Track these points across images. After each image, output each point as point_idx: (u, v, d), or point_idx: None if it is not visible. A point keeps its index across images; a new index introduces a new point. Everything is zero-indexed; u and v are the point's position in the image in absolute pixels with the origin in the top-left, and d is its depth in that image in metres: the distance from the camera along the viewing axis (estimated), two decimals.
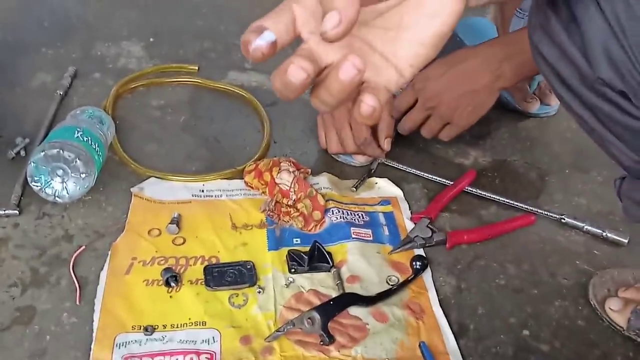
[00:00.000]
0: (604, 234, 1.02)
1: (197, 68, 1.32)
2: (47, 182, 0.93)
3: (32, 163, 0.92)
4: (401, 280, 0.90)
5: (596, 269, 0.96)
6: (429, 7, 0.47)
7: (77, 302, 0.83)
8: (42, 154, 0.92)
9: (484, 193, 1.08)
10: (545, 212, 1.05)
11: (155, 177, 1.03)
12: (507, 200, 1.07)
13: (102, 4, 1.54)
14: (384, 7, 0.47)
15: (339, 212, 0.99)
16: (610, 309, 0.88)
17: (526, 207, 1.06)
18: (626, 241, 1.01)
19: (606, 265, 0.97)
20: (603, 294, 0.90)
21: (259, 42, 0.43)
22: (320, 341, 0.80)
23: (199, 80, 1.28)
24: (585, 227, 1.03)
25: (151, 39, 1.41)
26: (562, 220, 1.04)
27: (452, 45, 0.75)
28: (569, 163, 1.19)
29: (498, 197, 1.07)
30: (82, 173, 0.93)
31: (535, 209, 1.06)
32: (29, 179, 0.94)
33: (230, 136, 1.16)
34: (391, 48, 0.49)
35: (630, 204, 0.79)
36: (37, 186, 0.94)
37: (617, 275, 0.92)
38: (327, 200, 1.00)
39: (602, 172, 1.16)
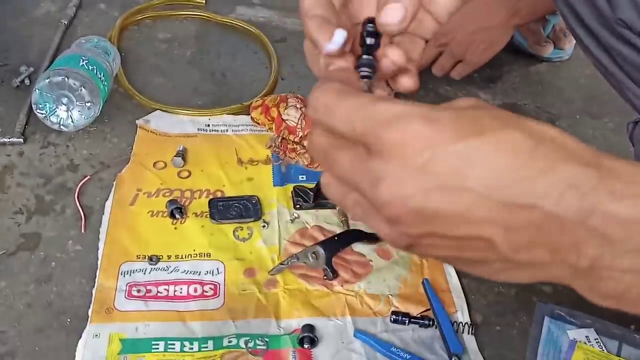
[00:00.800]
0: None
1: (204, 1, 1.29)
2: (52, 110, 0.93)
3: (37, 90, 0.91)
4: None
5: None
6: None
7: (82, 231, 0.84)
8: (47, 80, 0.91)
9: None
10: None
11: (161, 110, 1.02)
12: None
13: None
14: None
15: None
16: None
17: None
18: None
19: None
20: None
21: (331, 47, 0.42)
22: (324, 276, 0.80)
23: (206, 14, 1.26)
24: None
25: None
26: None
27: None
28: (581, 108, 1.18)
29: None
30: (87, 102, 0.93)
31: None
32: (33, 106, 0.93)
33: (237, 71, 1.14)
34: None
35: None
36: (42, 114, 0.93)
37: None
38: None
39: (614, 118, 1.15)
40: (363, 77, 0.42)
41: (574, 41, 1.21)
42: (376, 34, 0.42)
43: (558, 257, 0.34)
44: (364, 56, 0.42)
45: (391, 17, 0.41)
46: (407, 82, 0.45)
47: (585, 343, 0.76)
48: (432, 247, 0.36)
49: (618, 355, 0.75)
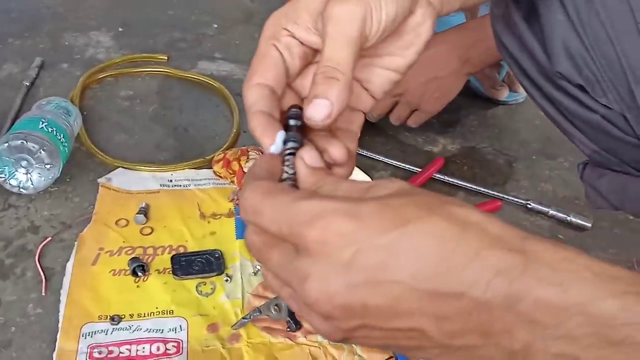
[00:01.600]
0: (569, 218, 1.03)
1: (166, 58, 1.31)
2: (12, 173, 0.93)
3: None
4: None
5: None
6: (408, 36, 0.48)
7: (43, 293, 0.83)
8: (6, 144, 0.91)
9: (452, 180, 1.10)
10: (512, 198, 1.07)
11: (123, 167, 1.03)
12: (475, 187, 1.09)
13: None
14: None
15: None
16: None
17: (493, 193, 1.08)
18: (590, 225, 1.03)
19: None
20: None
21: (273, 149, 0.44)
22: (287, 327, 0.80)
23: (169, 70, 1.28)
24: (550, 212, 1.04)
25: (120, 29, 1.40)
26: (528, 206, 1.05)
27: None
28: (537, 150, 1.21)
29: (466, 184, 1.09)
30: (47, 164, 0.93)
31: (502, 195, 1.07)
32: None
33: (199, 126, 1.16)
34: (365, 75, 0.49)
35: (591, 190, 0.80)
36: (1, 177, 0.93)
37: None
38: None
39: (568, 158, 1.18)
40: (286, 163, 0.44)
41: None
42: (299, 116, 0.45)
43: (492, 341, 0.34)
44: (288, 144, 0.44)
45: (317, 113, 0.43)
46: (338, 153, 0.46)
47: None
48: (366, 338, 0.37)
49: None
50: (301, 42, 0.47)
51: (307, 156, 0.43)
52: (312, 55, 0.49)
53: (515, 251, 0.33)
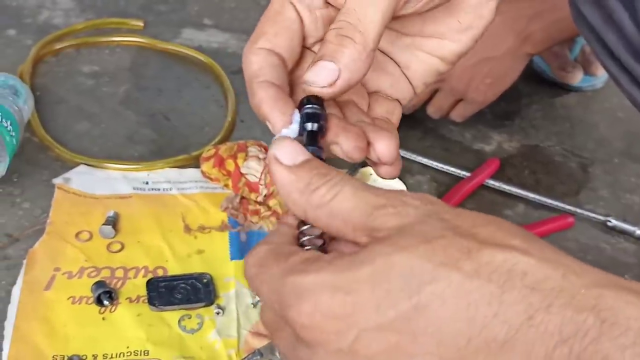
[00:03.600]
0: None
1: (142, 24, 1.31)
2: None
3: None
4: None
5: None
6: (463, 18, 0.48)
7: None
8: None
9: (510, 188, 1.09)
10: (587, 213, 1.06)
11: (86, 164, 1.03)
12: (539, 197, 1.08)
13: None
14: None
15: None
16: None
17: (563, 205, 1.07)
18: None
19: None
20: None
21: (287, 133, 0.43)
22: None
23: (145, 40, 1.28)
24: (638, 232, 1.03)
25: None
26: (609, 223, 1.05)
27: None
28: (620, 150, 1.20)
29: (527, 193, 1.08)
30: None
31: (575, 209, 1.07)
32: None
33: (183, 112, 1.16)
34: (405, 57, 0.49)
35: None
36: None
37: None
38: None
39: None
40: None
41: None
42: (318, 116, 0.43)
43: None
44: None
45: (318, 76, 0.42)
46: (385, 148, 0.46)
47: None
48: None
49: None
50: (327, 1, 0.47)
51: (282, 152, 0.41)
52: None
53: (583, 308, 0.32)
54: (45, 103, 1.13)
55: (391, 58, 0.49)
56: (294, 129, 0.43)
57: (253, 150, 1.01)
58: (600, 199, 1.11)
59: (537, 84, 1.30)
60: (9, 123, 0.97)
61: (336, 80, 0.42)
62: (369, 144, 0.45)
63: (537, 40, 1.05)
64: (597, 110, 1.29)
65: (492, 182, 1.09)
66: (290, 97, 0.44)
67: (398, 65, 0.50)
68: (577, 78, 1.28)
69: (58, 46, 1.24)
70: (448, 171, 1.10)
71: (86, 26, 1.29)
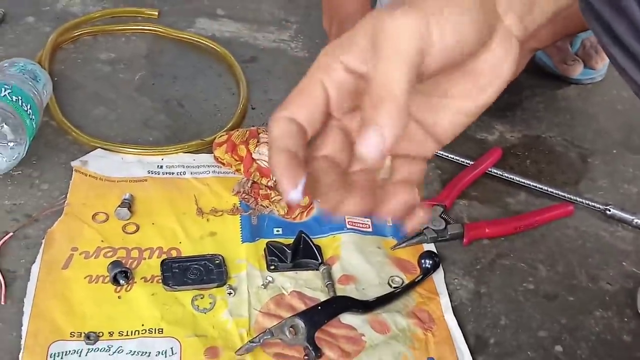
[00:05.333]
0: None
1: (157, 13, 1.31)
2: None
3: None
4: (406, 281, 0.90)
5: None
6: (485, 77, 0.47)
7: (2, 302, 0.82)
8: None
9: (512, 176, 1.08)
10: (587, 202, 1.06)
11: (103, 148, 1.02)
12: (540, 186, 1.07)
13: None
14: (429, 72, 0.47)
15: None
16: None
17: (563, 194, 1.06)
18: None
19: None
20: None
21: (294, 197, 0.44)
22: (305, 355, 0.80)
23: (160, 29, 1.27)
24: (636, 220, 1.03)
25: None
26: (608, 212, 1.04)
27: None
28: (618, 141, 1.20)
29: (529, 182, 1.08)
30: (10, 141, 0.93)
31: (575, 197, 1.06)
32: None
33: (197, 99, 1.15)
34: (432, 118, 0.49)
35: None
36: None
37: None
38: None
39: None
40: None
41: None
42: None
43: None
44: None
45: (367, 146, 0.42)
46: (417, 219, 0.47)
47: None
48: None
49: None
50: (355, 75, 0.46)
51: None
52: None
53: None
54: (63, 88, 1.13)
55: (418, 121, 0.49)
56: (298, 192, 0.44)
57: (264, 136, 1.01)
58: (599, 188, 1.11)
59: (539, 77, 1.29)
60: (28, 107, 0.96)
61: (383, 141, 0.41)
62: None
63: (541, 37, 1.04)
64: (597, 102, 1.28)
65: (494, 171, 1.08)
66: (302, 164, 0.45)
67: (423, 127, 0.50)
68: (577, 71, 1.28)
69: (76, 33, 1.24)
70: (452, 159, 1.10)
71: (103, 14, 1.29)
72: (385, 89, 0.42)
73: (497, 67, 0.48)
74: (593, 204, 1.05)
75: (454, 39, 0.44)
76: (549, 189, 1.07)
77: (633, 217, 1.03)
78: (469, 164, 1.08)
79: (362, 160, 0.42)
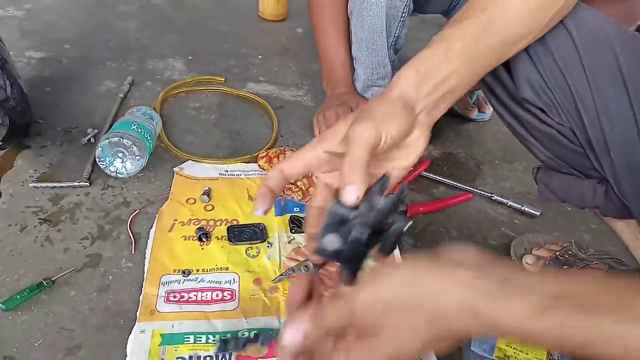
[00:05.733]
0: (523, 208, 1.02)
1: (224, 79, 1.30)
2: (111, 162, 0.92)
3: (99, 147, 0.91)
4: None
5: (516, 234, 0.96)
6: (409, 149, 0.49)
7: (133, 251, 0.83)
8: (107, 141, 0.91)
9: (436, 177, 1.08)
10: (480, 191, 1.05)
11: (192, 160, 1.02)
12: (452, 182, 1.07)
13: (154, 30, 1.51)
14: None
15: None
16: (526, 263, 0.88)
17: (466, 187, 1.06)
18: (539, 214, 1.01)
19: (523, 231, 0.98)
20: (521, 252, 0.91)
21: (258, 213, 0.47)
22: (343, 278, 0.79)
23: (226, 89, 1.27)
24: (509, 203, 1.03)
25: (190, 57, 1.39)
26: (492, 198, 1.04)
27: None
28: (499, 156, 1.19)
29: (445, 180, 1.07)
30: (137, 156, 0.92)
31: (473, 189, 1.06)
32: (97, 159, 0.92)
33: (248, 131, 1.15)
34: (383, 168, 0.49)
35: (543, 187, 0.79)
36: (103, 165, 0.92)
37: (532, 238, 0.93)
38: None
39: (522, 163, 1.16)
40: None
41: None
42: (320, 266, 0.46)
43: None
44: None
45: (349, 195, 0.41)
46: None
47: None
48: None
49: None
50: (330, 154, 0.47)
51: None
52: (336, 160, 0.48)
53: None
54: (168, 124, 1.12)
55: (374, 175, 0.49)
56: (261, 210, 0.46)
57: (289, 153, 1.01)
58: (487, 184, 1.10)
59: (451, 117, 1.29)
60: (148, 135, 0.96)
61: (358, 190, 0.41)
62: None
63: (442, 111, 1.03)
64: (486, 133, 1.27)
65: (425, 173, 1.08)
66: (273, 196, 0.47)
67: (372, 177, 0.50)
68: (474, 114, 1.28)
69: (175, 92, 1.23)
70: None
71: (191, 80, 1.28)
72: (355, 161, 0.43)
73: (416, 142, 0.49)
74: (484, 193, 1.05)
75: (394, 133, 0.45)
76: (458, 184, 1.07)
77: (507, 201, 1.03)
78: (409, 169, 1.07)
79: (344, 200, 0.42)
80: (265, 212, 0.47)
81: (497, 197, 1.04)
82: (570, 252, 0.85)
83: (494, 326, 0.34)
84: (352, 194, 0.41)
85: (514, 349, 0.73)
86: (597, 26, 0.60)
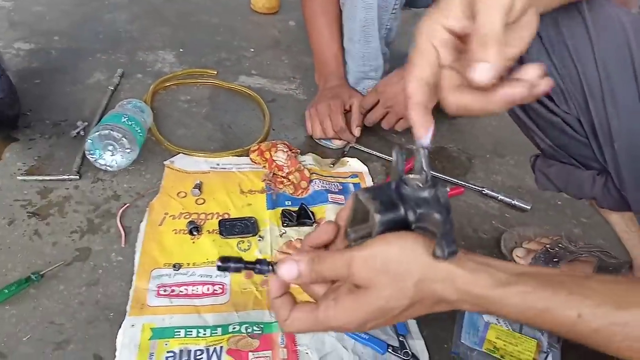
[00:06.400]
0: (513, 202, 1.02)
1: (215, 72, 1.29)
2: (100, 155, 0.91)
3: (89, 140, 0.90)
4: None
5: (507, 227, 0.96)
6: (520, 30, 0.41)
7: (123, 245, 0.82)
8: (97, 133, 0.89)
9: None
10: (471, 185, 1.05)
11: (183, 153, 1.01)
12: (444, 176, 1.07)
13: (144, 22, 1.49)
14: None
15: (320, 182, 0.98)
16: (517, 256, 0.88)
17: (457, 181, 1.06)
18: (529, 207, 1.02)
19: (514, 224, 0.98)
20: (512, 245, 0.91)
21: (424, 143, 0.40)
22: None
23: (217, 82, 1.25)
24: (500, 197, 1.03)
25: (181, 50, 1.37)
26: (483, 192, 1.04)
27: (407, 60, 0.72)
28: (490, 150, 1.19)
29: (437, 174, 1.07)
30: (127, 149, 0.91)
31: (464, 183, 1.06)
32: (86, 152, 0.91)
33: (240, 124, 1.14)
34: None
35: (541, 176, 0.79)
36: (92, 158, 0.91)
37: (522, 232, 0.93)
38: (311, 174, 0.99)
39: (514, 157, 1.16)
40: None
41: None
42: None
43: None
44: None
45: (480, 75, 0.36)
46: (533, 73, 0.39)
47: (496, 324, 0.76)
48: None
49: (520, 332, 0.75)
50: (454, 34, 0.41)
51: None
52: (460, 45, 0.42)
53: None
54: (159, 117, 1.11)
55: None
56: (428, 138, 0.40)
57: (280, 146, 1.00)
58: (478, 178, 1.10)
59: (443, 112, 1.27)
60: (138, 128, 0.95)
61: (493, 73, 0.37)
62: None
63: None
64: (478, 127, 1.27)
65: None
66: (431, 115, 0.40)
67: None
68: None
69: (166, 84, 1.22)
70: (391, 160, 1.08)
71: (182, 73, 1.26)
72: (489, 31, 0.37)
73: (529, 23, 0.40)
74: (475, 187, 1.05)
75: (524, 5, 0.39)
76: (450, 178, 1.06)
77: (498, 195, 1.03)
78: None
79: (477, 84, 0.36)
80: (428, 143, 0.40)
81: (488, 191, 1.04)
82: (560, 245, 0.86)
83: (467, 293, 0.40)
84: (483, 73, 0.36)
85: (503, 341, 0.74)
86: (612, 13, 0.59)
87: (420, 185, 0.41)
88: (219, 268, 0.45)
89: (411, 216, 0.40)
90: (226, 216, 0.88)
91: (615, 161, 0.64)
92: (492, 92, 0.39)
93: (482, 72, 0.36)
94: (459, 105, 0.40)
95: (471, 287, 0.40)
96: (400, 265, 0.40)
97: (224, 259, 0.45)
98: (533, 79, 0.38)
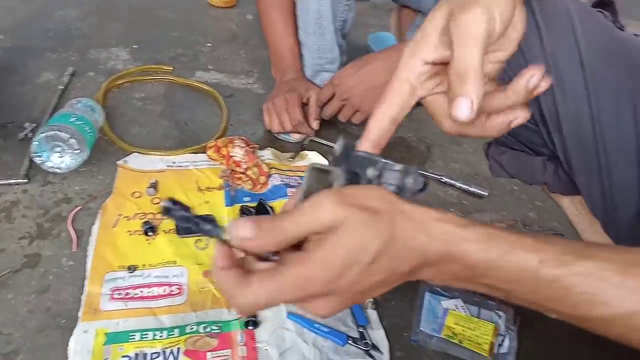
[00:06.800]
0: (471, 189, 1.02)
1: (171, 69, 1.26)
2: (48, 157, 0.88)
3: (35, 142, 0.87)
4: None
5: (465, 214, 0.98)
6: (508, 35, 0.40)
7: (74, 249, 0.79)
8: (43, 135, 0.86)
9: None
10: (430, 174, 1.06)
11: (138, 152, 0.98)
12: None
13: (96, 18, 1.44)
14: None
15: (279, 177, 0.97)
16: None
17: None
18: (487, 194, 1.02)
19: (472, 210, 0.99)
20: None
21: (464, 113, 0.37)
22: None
23: (173, 78, 1.23)
24: (458, 184, 1.03)
25: (135, 46, 1.34)
26: (442, 180, 1.04)
27: (364, 52, 0.72)
28: (448, 139, 1.20)
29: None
30: (76, 149, 0.88)
31: (423, 172, 1.06)
32: (33, 155, 0.88)
33: (196, 120, 1.11)
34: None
35: (494, 163, 0.80)
36: (40, 160, 0.88)
37: (479, 218, 0.94)
38: (270, 168, 0.98)
39: (472, 145, 1.18)
40: None
41: None
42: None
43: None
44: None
45: (461, 110, 0.36)
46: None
47: (454, 310, 0.77)
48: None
49: (477, 317, 0.76)
50: (435, 63, 0.40)
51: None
52: (442, 69, 0.41)
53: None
54: (112, 116, 1.08)
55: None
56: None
57: (237, 142, 0.98)
58: (437, 166, 1.11)
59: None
60: (88, 127, 0.92)
61: (472, 107, 0.36)
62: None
63: None
64: None
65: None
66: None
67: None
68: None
69: (119, 82, 1.18)
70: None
71: (136, 70, 1.23)
72: (466, 66, 0.36)
73: (516, 24, 0.40)
74: (434, 175, 1.06)
75: (506, 13, 0.38)
76: None
77: (456, 182, 1.04)
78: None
79: (458, 120, 0.36)
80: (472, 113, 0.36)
81: (447, 179, 1.04)
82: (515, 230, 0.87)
83: (448, 250, 0.35)
84: (463, 111, 0.35)
85: (462, 326, 0.74)
86: (558, 1, 0.60)
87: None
88: (164, 210, 0.37)
89: (370, 172, 0.40)
90: None
91: (564, 146, 0.65)
92: (488, 120, 0.40)
93: (462, 109, 0.36)
94: (455, 132, 0.41)
95: (440, 223, 0.36)
96: (381, 203, 0.35)
97: (173, 201, 0.37)
98: (533, 86, 0.38)
